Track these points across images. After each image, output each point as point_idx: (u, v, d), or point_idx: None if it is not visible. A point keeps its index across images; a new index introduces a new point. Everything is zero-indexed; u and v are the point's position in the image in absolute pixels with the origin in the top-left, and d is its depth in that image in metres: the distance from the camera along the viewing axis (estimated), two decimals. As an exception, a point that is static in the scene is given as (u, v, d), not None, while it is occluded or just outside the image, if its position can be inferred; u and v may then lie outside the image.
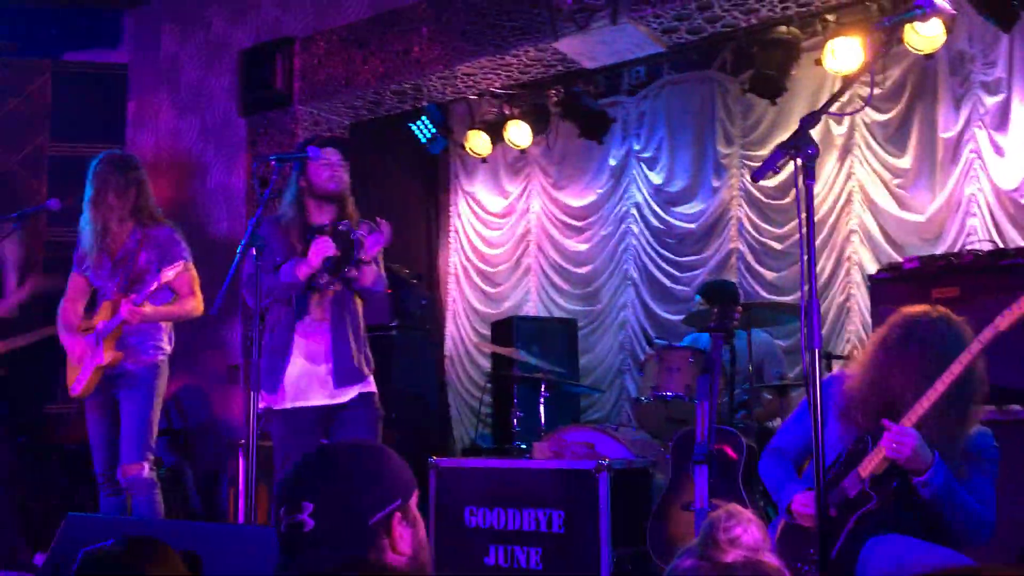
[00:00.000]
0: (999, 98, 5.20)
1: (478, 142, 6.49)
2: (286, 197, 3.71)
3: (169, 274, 3.83)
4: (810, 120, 2.16)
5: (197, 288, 4.11)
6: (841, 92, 2.48)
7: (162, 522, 3.69)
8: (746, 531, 1.21)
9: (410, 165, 7.20)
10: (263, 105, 6.36)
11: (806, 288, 2.11)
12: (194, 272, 4.12)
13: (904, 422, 2.54)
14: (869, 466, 2.63)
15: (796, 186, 2.07)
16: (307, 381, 3.62)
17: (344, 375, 3.61)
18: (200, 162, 6.80)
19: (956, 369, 2.56)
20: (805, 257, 2.08)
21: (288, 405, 3.59)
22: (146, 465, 3.94)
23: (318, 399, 3.60)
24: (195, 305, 4.10)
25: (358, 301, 3.76)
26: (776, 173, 2.19)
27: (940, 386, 2.53)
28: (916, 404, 2.55)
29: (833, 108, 2.46)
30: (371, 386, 3.71)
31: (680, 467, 4.14)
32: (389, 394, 5.80)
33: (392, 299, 5.91)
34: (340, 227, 3.54)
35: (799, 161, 2.10)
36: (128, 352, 3.99)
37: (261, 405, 3.55)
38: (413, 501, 1.48)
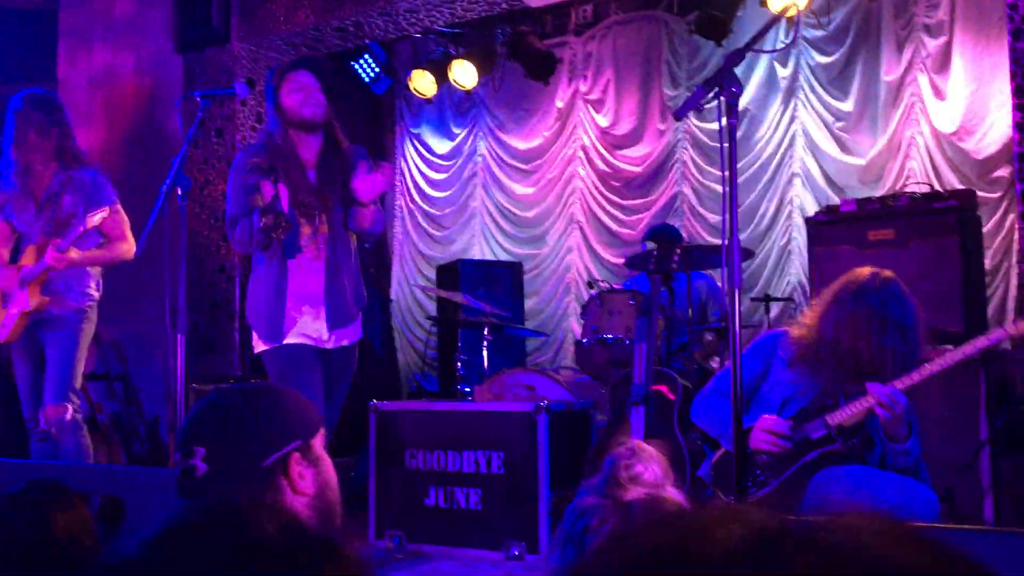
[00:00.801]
0: (941, 41, 5.21)
1: (423, 82, 6.37)
2: (263, 132, 3.53)
3: (95, 218, 3.71)
4: (734, 57, 2.13)
5: (128, 231, 4.00)
6: (767, 29, 2.45)
7: (85, 467, 3.64)
8: (647, 468, 1.21)
9: (353, 106, 7.05)
10: (200, 43, 6.17)
11: (728, 226, 2.10)
12: (123, 215, 4.00)
13: (897, 384, 2.60)
14: (842, 416, 2.70)
15: (719, 124, 2.05)
16: (303, 320, 3.47)
17: (338, 317, 3.48)
18: (135, 102, 6.59)
19: (969, 349, 2.65)
20: (727, 192, 2.06)
21: (285, 340, 3.45)
22: (69, 408, 3.85)
23: (312, 338, 3.49)
24: (126, 249, 3.99)
25: (353, 238, 3.56)
26: (700, 111, 2.15)
27: (942, 364, 2.62)
28: (913, 373, 2.62)
29: (773, 47, 2.42)
30: (358, 332, 3.64)
31: (618, 408, 4.17)
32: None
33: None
34: (274, 204, 3.26)
35: (723, 99, 2.08)
36: (54, 298, 3.89)
37: (258, 349, 3.51)
38: (317, 441, 1.46)
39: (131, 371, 6.21)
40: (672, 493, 1.25)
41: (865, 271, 2.78)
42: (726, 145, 2.06)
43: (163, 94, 6.45)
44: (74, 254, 3.79)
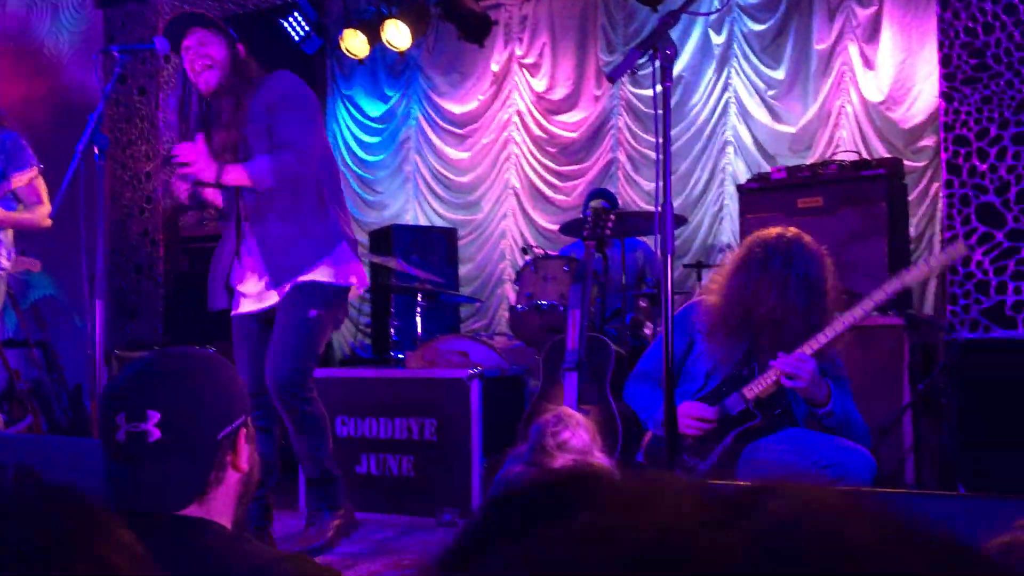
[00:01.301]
0: (871, 11, 5.27)
1: (355, 42, 6.23)
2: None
3: (21, 179, 3.58)
4: (668, 20, 2.10)
5: (45, 197, 3.89)
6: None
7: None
8: (574, 435, 1.19)
9: (283, 66, 6.85)
10: (121, -4, 5.93)
11: (661, 193, 2.08)
12: (42, 181, 3.89)
13: (804, 349, 2.56)
14: (756, 389, 2.68)
15: (653, 88, 2.02)
16: (244, 286, 3.28)
17: (276, 274, 3.16)
18: (53, 58, 6.32)
19: (868, 306, 2.64)
20: (660, 159, 2.04)
21: (234, 312, 3.33)
22: None
23: (252, 304, 3.28)
24: (42, 214, 3.87)
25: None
26: (634, 74, 2.12)
27: (848, 321, 2.59)
28: (819, 335, 2.59)
29: (705, 12, 2.40)
30: (310, 275, 3.12)
31: (551, 374, 4.18)
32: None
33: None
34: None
35: (657, 62, 2.05)
36: None
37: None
38: (250, 418, 1.42)
39: (51, 337, 6.01)
40: (600, 459, 1.23)
41: (771, 232, 2.73)
42: (660, 111, 2.04)
43: (82, 50, 6.19)
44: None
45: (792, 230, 2.72)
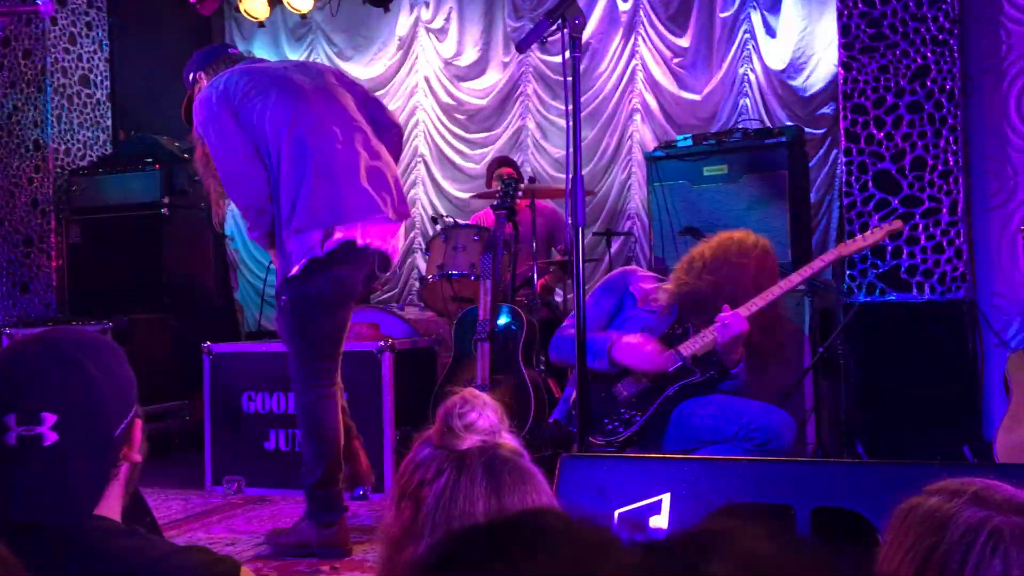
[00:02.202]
0: (773, -21, 5.35)
1: (254, 4, 6.01)
2: None
3: None
4: (577, -13, 2.08)
5: None
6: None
7: None
8: (481, 415, 1.17)
9: (179, 28, 6.59)
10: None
11: (571, 162, 2.07)
12: None
13: (742, 311, 2.85)
14: (693, 347, 2.92)
15: (563, 57, 2.00)
16: None
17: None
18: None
19: (795, 279, 2.95)
20: (571, 126, 2.02)
21: None
22: None
23: None
24: None
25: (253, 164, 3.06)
26: (543, 43, 2.09)
27: (778, 290, 2.89)
28: (756, 299, 2.87)
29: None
30: (294, 262, 2.97)
31: (463, 344, 4.16)
32: (161, 279, 5.48)
33: (162, 175, 5.48)
34: None
35: (566, 32, 2.03)
36: None
37: None
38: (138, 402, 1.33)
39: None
40: (508, 439, 1.22)
41: (748, 241, 3.03)
42: (569, 79, 2.01)
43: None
44: None
45: (763, 241, 3.07)
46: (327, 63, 6.58)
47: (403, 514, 1.12)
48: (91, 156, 5.84)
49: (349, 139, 2.99)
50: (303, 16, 6.24)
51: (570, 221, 2.08)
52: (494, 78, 6.17)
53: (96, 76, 5.94)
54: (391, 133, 3.23)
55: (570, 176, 2.04)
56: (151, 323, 5.29)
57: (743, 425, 2.77)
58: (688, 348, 2.93)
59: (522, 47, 2.09)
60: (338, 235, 2.89)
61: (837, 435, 4.09)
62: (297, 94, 3.00)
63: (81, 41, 5.81)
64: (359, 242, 2.92)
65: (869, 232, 3.13)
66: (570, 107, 2.05)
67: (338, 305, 3.02)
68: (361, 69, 6.54)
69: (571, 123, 2.01)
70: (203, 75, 3.17)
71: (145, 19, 6.24)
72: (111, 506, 1.26)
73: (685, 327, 2.99)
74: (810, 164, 4.85)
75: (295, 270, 2.92)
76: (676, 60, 5.63)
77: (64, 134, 5.71)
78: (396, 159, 3.23)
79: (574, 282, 2.08)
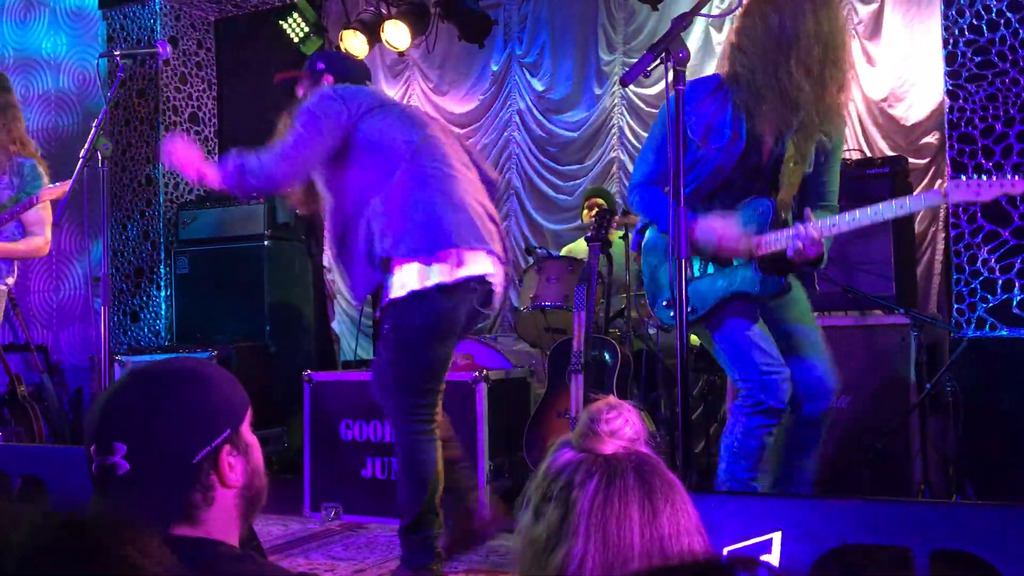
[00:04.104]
0: (873, 7, 5.25)
1: (354, 43, 6.19)
2: None
3: (52, 192, 3.65)
4: (681, 22, 2.08)
5: (48, 228, 3.95)
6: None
7: (2, 447, 3.50)
8: (627, 422, 1.17)
9: (282, 66, 6.83)
10: (119, -2, 5.90)
11: (673, 195, 2.06)
12: (49, 210, 3.91)
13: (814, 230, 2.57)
14: (768, 246, 2.65)
15: (667, 91, 2.00)
16: None
17: (356, 286, 3.06)
18: (52, 60, 6.28)
19: (900, 210, 2.56)
20: (674, 159, 2.02)
21: None
22: None
23: None
24: (42, 244, 3.96)
25: (358, 179, 2.98)
26: (647, 77, 2.10)
27: (868, 217, 2.56)
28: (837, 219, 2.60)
29: (713, 13, 2.39)
30: (400, 286, 2.91)
31: (557, 376, 4.16)
32: (263, 308, 5.65)
33: (265, 209, 5.67)
34: None
35: (670, 65, 2.03)
36: None
37: None
38: (245, 426, 1.35)
39: (52, 341, 5.98)
40: (646, 449, 1.21)
41: None
42: (675, 115, 2.01)
43: (80, 52, 6.15)
44: (8, 246, 3.77)
45: None
46: (423, 98, 6.73)
47: (549, 518, 1.12)
48: (199, 190, 6.08)
49: (467, 175, 2.99)
50: (400, 53, 6.40)
51: (671, 254, 2.07)
52: (586, 111, 6.20)
53: (204, 114, 6.19)
54: (490, 187, 3.19)
55: (672, 210, 2.03)
56: (252, 351, 5.45)
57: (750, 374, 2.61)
58: (765, 246, 2.62)
59: (626, 81, 2.10)
60: (450, 265, 2.83)
61: (945, 475, 3.93)
62: (421, 122, 3.02)
63: (191, 80, 6.08)
64: (466, 275, 2.86)
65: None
66: (674, 139, 2.04)
67: (442, 338, 2.93)
68: (456, 104, 6.66)
69: (674, 156, 2.01)
70: (332, 77, 3.17)
71: (251, 59, 6.49)
72: (221, 530, 1.29)
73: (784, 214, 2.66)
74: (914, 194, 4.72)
75: (402, 294, 2.85)
76: (772, 90, 5.56)
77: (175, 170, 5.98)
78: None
79: (677, 314, 2.06)
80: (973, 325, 3.91)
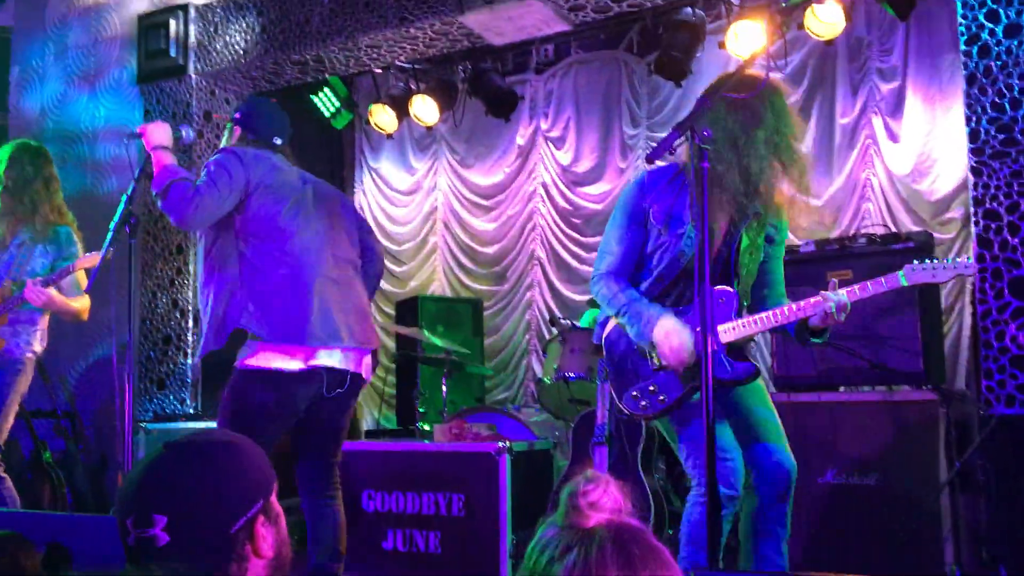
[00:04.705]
0: (894, 85, 5.32)
1: (383, 117, 6.34)
2: None
3: (87, 261, 3.77)
4: (705, 101, 2.13)
5: (85, 292, 4.05)
6: (737, 74, 2.46)
7: (28, 515, 3.50)
8: (606, 493, 1.18)
9: (313, 140, 7.00)
10: (157, 74, 6.08)
11: (699, 272, 2.08)
12: (84, 279, 4.06)
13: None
14: (732, 333, 2.74)
15: (691, 168, 2.03)
16: None
17: (205, 342, 3.15)
18: (90, 131, 6.47)
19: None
20: (699, 244, 2.04)
21: None
22: None
23: None
24: (84, 306, 4.04)
25: (235, 246, 3.10)
26: (672, 154, 2.15)
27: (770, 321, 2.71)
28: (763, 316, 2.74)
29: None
30: (241, 358, 3.05)
31: (580, 448, 4.14)
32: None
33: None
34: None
35: (695, 143, 2.07)
36: (2, 348, 3.89)
37: None
38: (273, 496, 1.37)
39: (78, 407, 6.03)
40: (631, 520, 1.22)
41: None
42: (698, 191, 2.05)
43: (118, 125, 6.33)
44: (53, 292, 3.82)
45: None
46: (450, 171, 6.85)
47: None
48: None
49: (344, 272, 3.16)
50: (428, 127, 6.53)
51: (699, 330, 2.08)
52: (611, 183, 6.27)
53: (236, 184, 6.32)
54: (377, 262, 3.42)
55: (698, 286, 2.05)
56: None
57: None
58: (729, 333, 2.69)
59: (652, 158, 2.15)
60: (298, 358, 2.98)
61: (978, 556, 3.84)
62: (307, 211, 3.15)
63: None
64: (313, 365, 3.00)
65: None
66: (699, 215, 2.07)
67: (274, 419, 3.04)
68: (481, 176, 6.77)
69: (700, 236, 2.03)
70: (240, 131, 3.29)
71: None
72: None
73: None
74: (939, 269, 4.70)
75: (247, 367, 2.99)
76: (795, 165, 5.61)
77: (205, 238, 6.08)
78: (377, 282, 3.45)
79: (703, 394, 2.06)
80: (1003, 402, 3.86)
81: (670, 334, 2.66)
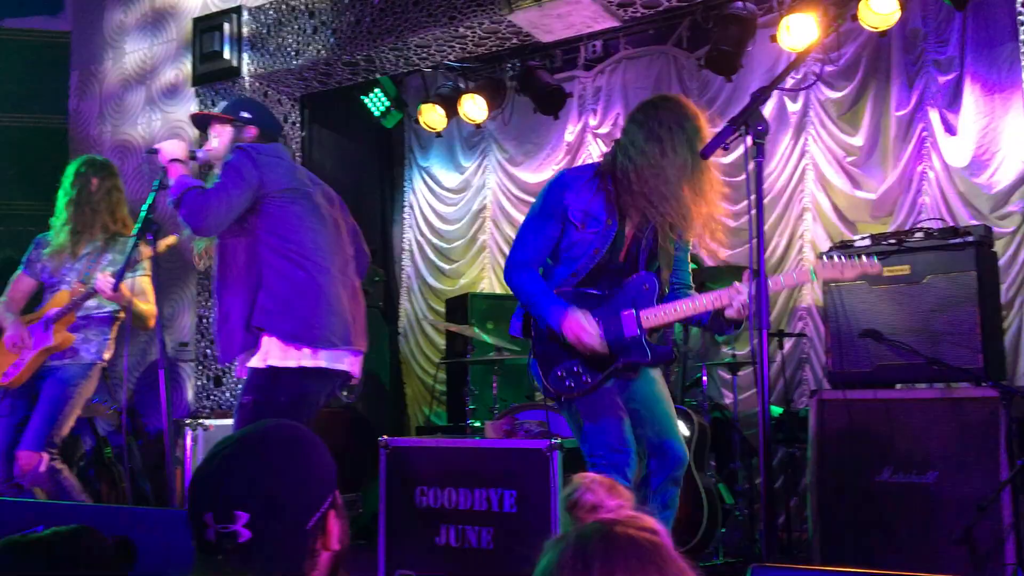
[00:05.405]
0: (951, 76, 5.22)
1: (432, 116, 6.38)
2: None
3: (167, 241, 3.90)
4: (760, 96, 2.11)
5: (152, 298, 4.16)
6: (791, 68, 2.44)
7: (93, 507, 3.59)
8: (593, 493, 1.19)
9: (364, 139, 7.08)
10: (211, 76, 6.19)
11: (755, 267, 2.07)
12: (150, 284, 4.18)
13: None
14: (652, 319, 2.93)
15: (746, 163, 2.02)
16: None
17: (224, 346, 3.18)
18: (146, 134, 6.61)
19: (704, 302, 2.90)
20: (754, 240, 2.03)
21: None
22: (44, 457, 3.91)
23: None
24: (152, 312, 4.14)
25: (253, 248, 3.16)
26: (726, 150, 2.14)
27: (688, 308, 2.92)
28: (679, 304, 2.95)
29: (786, 84, 2.42)
30: (263, 359, 3.09)
31: (632, 445, 4.12)
32: (341, 372, 5.74)
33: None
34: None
35: (749, 138, 2.06)
36: (67, 351, 4.01)
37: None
38: (337, 490, 1.39)
39: (139, 404, 6.16)
40: (635, 514, 1.21)
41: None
42: (753, 196, 2.03)
43: (175, 127, 6.46)
44: (123, 286, 3.91)
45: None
46: (498, 169, 6.87)
47: None
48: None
49: (349, 280, 3.24)
50: (477, 125, 6.56)
51: (753, 325, 2.07)
52: (660, 180, 6.23)
53: (288, 184, 6.40)
54: (364, 260, 3.52)
55: (752, 286, 2.04)
56: (333, 415, 5.54)
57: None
58: (651, 319, 2.88)
59: (706, 153, 2.14)
60: (313, 357, 3.06)
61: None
62: (320, 216, 3.23)
63: (277, 153, 6.31)
64: (326, 365, 3.09)
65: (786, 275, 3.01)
66: (753, 210, 2.06)
67: (300, 419, 3.03)
68: (530, 174, 6.78)
69: (755, 232, 2.02)
70: (256, 130, 3.33)
71: (335, 130, 6.73)
72: None
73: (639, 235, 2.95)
74: (999, 262, 4.61)
75: (266, 366, 3.04)
76: (849, 159, 5.54)
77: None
78: (361, 280, 3.51)
79: (759, 387, 2.05)
80: (1066, 399, 3.76)
81: (575, 329, 2.86)
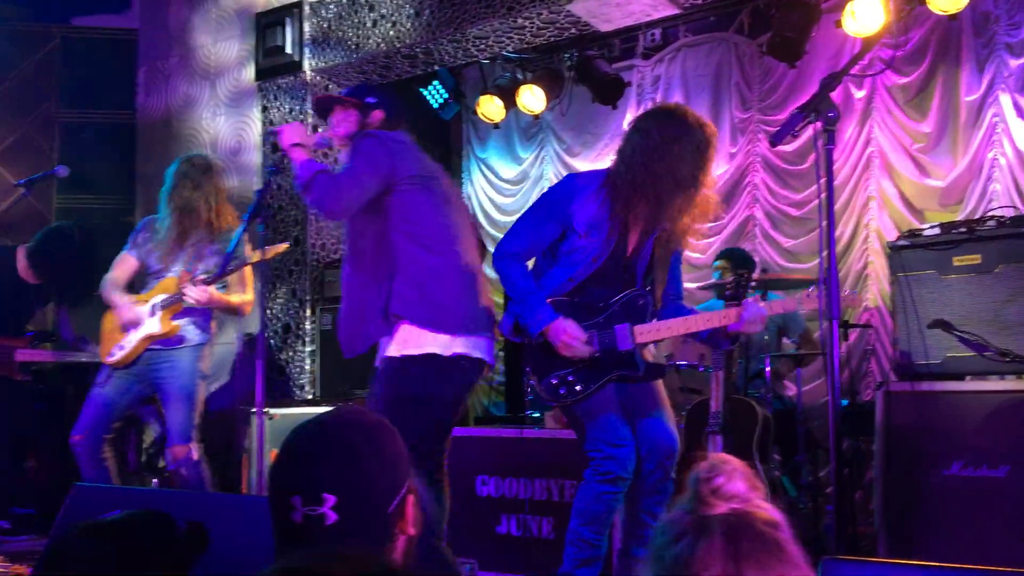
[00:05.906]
0: (1023, 60, 5.07)
1: (491, 107, 6.40)
2: None
3: (275, 250, 3.95)
4: (830, 82, 2.08)
5: (252, 288, 4.23)
6: (861, 54, 2.41)
7: (168, 493, 3.69)
8: (729, 480, 1.17)
9: (422, 131, 7.07)
10: (274, 71, 6.29)
11: (824, 255, 2.04)
12: (252, 274, 4.25)
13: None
14: (645, 335, 3.00)
15: (816, 150, 1.99)
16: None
17: (353, 337, 3.15)
18: (212, 129, 6.74)
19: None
20: (824, 224, 2.01)
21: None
22: (194, 447, 4.06)
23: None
24: (249, 301, 4.22)
25: (384, 235, 3.09)
26: (795, 137, 2.12)
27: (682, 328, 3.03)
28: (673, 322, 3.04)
29: (853, 70, 2.38)
30: (400, 348, 3.02)
31: (693, 436, 4.11)
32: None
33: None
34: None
35: (819, 125, 2.03)
36: (174, 338, 4.11)
37: None
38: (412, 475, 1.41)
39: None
40: (765, 508, 1.20)
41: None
42: (822, 173, 2.01)
43: (237, 122, 6.58)
44: (212, 289, 4.03)
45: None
46: (556, 160, 6.86)
47: (648, 571, 1.15)
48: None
49: (479, 266, 3.22)
50: (535, 116, 6.56)
51: (823, 317, 2.04)
52: (721, 168, 6.16)
53: (349, 177, 6.48)
54: (481, 247, 3.56)
55: (823, 276, 2.01)
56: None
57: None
58: (645, 335, 2.92)
59: (776, 141, 2.12)
60: (452, 344, 3.00)
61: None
62: (451, 205, 3.19)
63: (337, 146, 6.39)
64: (465, 352, 3.02)
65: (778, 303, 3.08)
66: (823, 196, 2.03)
67: (430, 414, 3.03)
68: (588, 165, 6.75)
69: (824, 223, 1.99)
70: (383, 113, 3.28)
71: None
72: None
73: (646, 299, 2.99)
74: (1075, 253, 4.46)
75: (403, 354, 2.99)
76: (916, 146, 5.41)
77: (321, 231, 6.27)
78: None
79: (828, 378, 2.02)
80: None
81: (560, 336, 2.91)
